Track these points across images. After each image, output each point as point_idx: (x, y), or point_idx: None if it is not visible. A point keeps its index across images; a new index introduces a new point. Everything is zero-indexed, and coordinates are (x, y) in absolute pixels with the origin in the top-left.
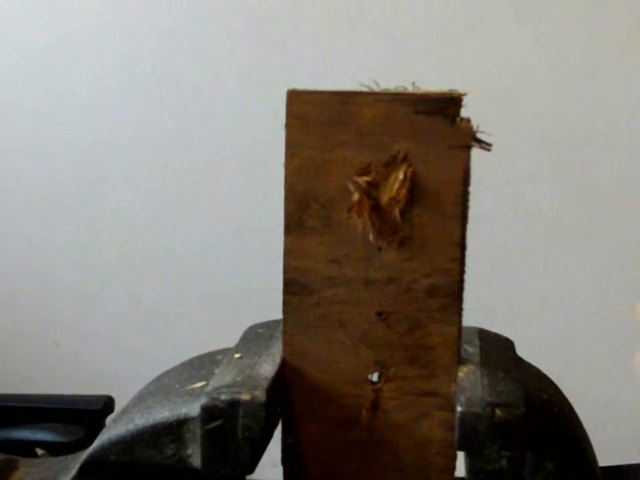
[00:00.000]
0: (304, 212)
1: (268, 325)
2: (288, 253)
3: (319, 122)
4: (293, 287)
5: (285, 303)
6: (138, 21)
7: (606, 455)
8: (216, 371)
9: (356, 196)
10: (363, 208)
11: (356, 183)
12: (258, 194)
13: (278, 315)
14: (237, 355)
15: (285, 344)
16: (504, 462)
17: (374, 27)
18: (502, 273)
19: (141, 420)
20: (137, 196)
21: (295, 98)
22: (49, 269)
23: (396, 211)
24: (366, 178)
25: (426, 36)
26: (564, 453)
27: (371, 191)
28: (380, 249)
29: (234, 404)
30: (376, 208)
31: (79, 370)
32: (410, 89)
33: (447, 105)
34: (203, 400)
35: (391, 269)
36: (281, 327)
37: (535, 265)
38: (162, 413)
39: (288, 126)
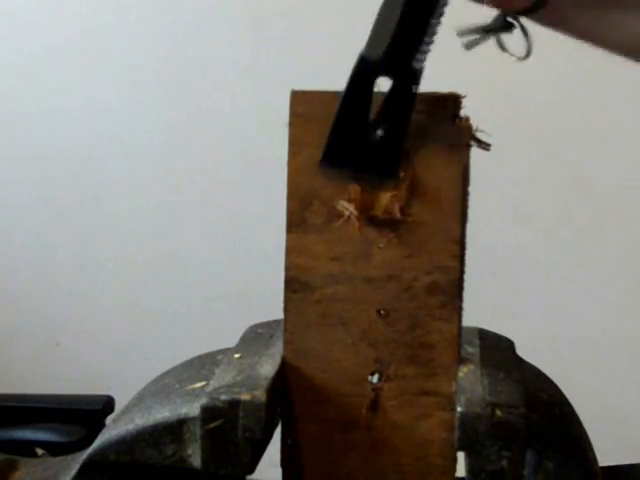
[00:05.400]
0: (306, 210)
1: (268, 325)
2: (290, 251)
3: (322, 121)
4: (294, 285)
5: (286, 301)
6: (139, 22)
7: (606, 455)
8: (216, 371)
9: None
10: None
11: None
12: (260, 193)
13: (278, 315)
14: (237, 355)
15: (286, 342)
16: (504, 462)
17: None
18: (502, 273)
19: (141, 420)
20: (137, 197)
21: (299, 98)
22: (49, 270)
23: (396, 209)
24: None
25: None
26: (564, 453)
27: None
28: (380, 247)
29: (234, 404)
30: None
31: (79, 370)
32: None
33: (447, 105)
34: (203, 400)
35: (391, 267)
36: (281, 327)
37: (535, 265)
38: (162, 413)
39: (291, 125)
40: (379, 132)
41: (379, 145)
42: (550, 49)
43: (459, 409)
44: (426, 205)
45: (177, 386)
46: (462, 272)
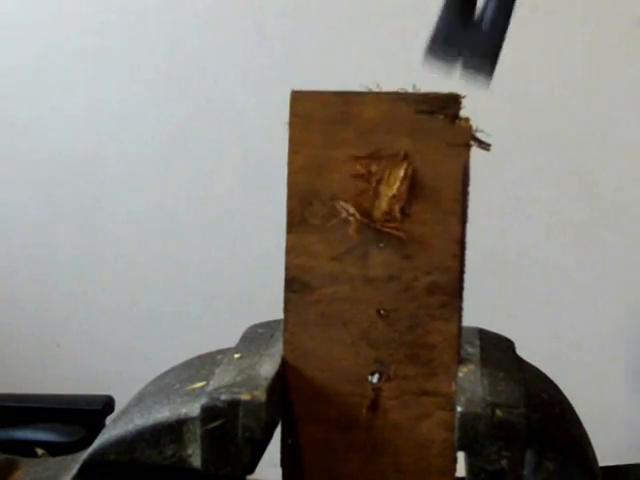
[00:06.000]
0: (306, 209)
1: (268, 325)
2: (290, 251)
3: (322, 121)
4: (294, 284)
5: (286, 301)
6: (139, 21)
7: (606, 455)
8: (216, 371)
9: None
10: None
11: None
12: (260, 193)
13: (278, 315)
14: (237, 355)
15: (286, 342)
16: (504, 462)
17: (377, 27)
18: (502, 273)
19: (141, 420)
20: (137, 197)
21: (299, 98)
22: (50, 270)
23: (396, 208)
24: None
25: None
26: (564, 453)
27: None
28: (380, 247)
29: (234, 404)
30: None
31: (79, 370)
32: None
33: (447, 105)
34: (203, 400)
35: (391, 266)
36: (281, 327)
37: (535, 265)
38: (162, 413)
39: (292, 125)
40: (484, 20)
41: (483, 33)
42: (550, 49)
43: (459, 409)
44: (426, 205)
45: (177, 386)
46: (462, 272)
